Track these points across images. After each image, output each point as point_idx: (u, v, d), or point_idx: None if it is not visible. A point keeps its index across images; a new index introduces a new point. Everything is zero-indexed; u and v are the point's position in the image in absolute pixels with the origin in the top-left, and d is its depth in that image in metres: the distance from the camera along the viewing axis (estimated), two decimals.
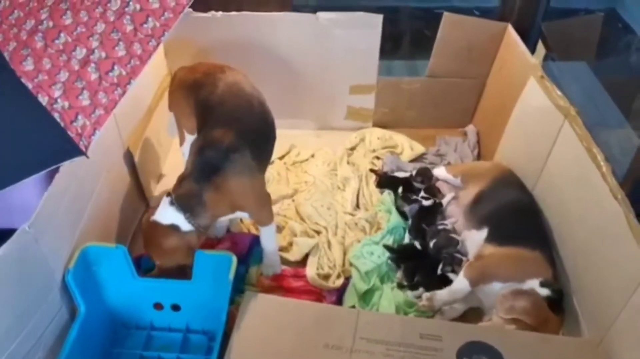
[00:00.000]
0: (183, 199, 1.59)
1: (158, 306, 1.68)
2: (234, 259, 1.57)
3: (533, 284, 1.76)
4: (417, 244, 2.01)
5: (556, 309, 1.74)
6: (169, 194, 1.62)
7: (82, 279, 1.55)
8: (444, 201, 2.13)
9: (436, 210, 2.08)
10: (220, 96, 1.79)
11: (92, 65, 1.49)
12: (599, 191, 1.62)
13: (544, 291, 1.74)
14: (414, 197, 2.12)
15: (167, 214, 1.59)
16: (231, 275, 1.53)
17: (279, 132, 2.57)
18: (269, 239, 1.88)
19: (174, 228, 1.58)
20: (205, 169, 1.62)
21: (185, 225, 1.59)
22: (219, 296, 1.55)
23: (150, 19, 1.56)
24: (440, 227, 2.03)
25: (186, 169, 1.66)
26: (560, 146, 1.90)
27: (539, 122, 2.01)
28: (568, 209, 1.84)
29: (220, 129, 1.67)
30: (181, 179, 1.64)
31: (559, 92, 1.92)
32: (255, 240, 2.00)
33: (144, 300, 1.66)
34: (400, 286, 1.92)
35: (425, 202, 2.09)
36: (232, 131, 1.66)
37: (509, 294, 1.73)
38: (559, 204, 1.90)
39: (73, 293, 1.54)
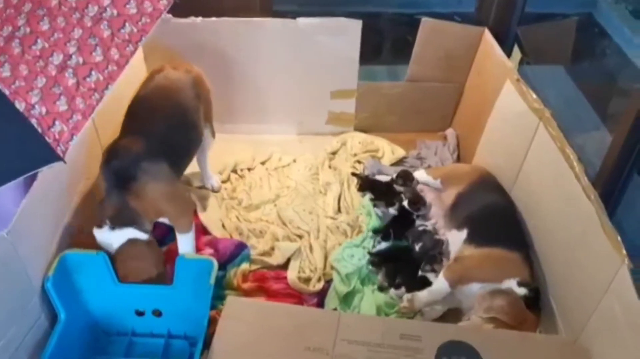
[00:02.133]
0: (117, 218, 1.62)
1: (140, 312, 1.67)
2: (215, 264, 1.58)
3: (511, 284, 1.78)
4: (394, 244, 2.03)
5: (533, 308, 1.77)
6: (99, 225, 1.63)
7: (62, 286, 1.55)
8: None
9: (412, 216, 2.10)
10: (146, 99, 1.81)
11: (70, 70, 1.49)
12: (573, 191, 1.65)
13: (522, 291, 1.77)
14: (395, 203, 2.14)
15: (116, 237, 1.63)
16: (212, 280, 1.53)
17: (261, 137, 2.64)
18: (188, 247, 1.85)
19: (133, 242, 1.62)
20: (119, 180, 1.64)
21: (140, 234, 1.63)
22: (200, 301, 1.56)
23: (127, 24, 1.56)
24: (420, 228, 2.05)
25: (102, 190, 1.67)
26: (535, 148, 1.93)
27: (515, 125, 2.05)
28: (544, 209, 1.87)
29: (129, 137, 1.69)
30: (101, 202, 1.66)
31: (533, 96, 1.95)
32: (237, 246, 2.00)
33: (125, 306, 1.65)
34: (381, 289, 1.94)
35: (393, 211, 2.13)
36: (142, 138, 1.68)
37: (487, 294, 1.76)
38: (535, 204, 1.94)
39: (53, 300, 1.53)
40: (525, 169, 2.00)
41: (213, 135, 2.18)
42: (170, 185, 1.78)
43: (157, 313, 1.67)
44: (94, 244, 1.67)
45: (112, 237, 1.65)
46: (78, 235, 1.74)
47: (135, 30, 1.57)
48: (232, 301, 1.66)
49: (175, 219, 1.82)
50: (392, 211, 2.12)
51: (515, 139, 2.04)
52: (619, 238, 1.44)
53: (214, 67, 2.43)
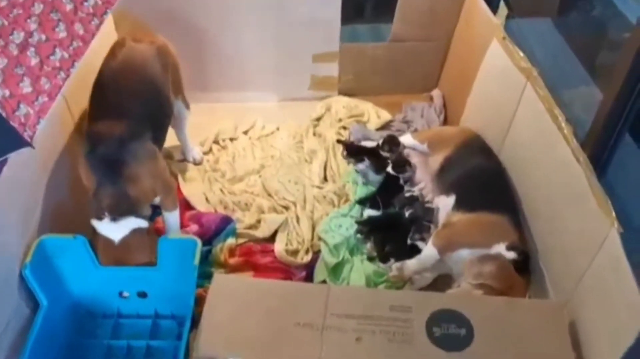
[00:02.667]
0: (117, 208, 1.56)
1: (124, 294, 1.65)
2: (199, 243, 1.54)
3: (500, 248, 1.77)
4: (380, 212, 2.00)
5: (522, 271, 1.76)
6: (99, 217, 1.57)
7: (41, 272, 1.51)
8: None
9: (399, 181, 2.06)
10: (112, 76, 1.72)
11: (32, 49, 1.41)
12: (561, 153, 1.62)
13: (510, 255, 1.76)
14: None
15: (119, 228, 1.57)
16: (196, 260, 1.50)
17: (242, 105, 2.56)
18: (174, 225, 1.82)
19: (136, 232, 1.56)
20: (110, 168, 1.57)
21: (142, 222, 1.58)
22: (186, 281, 1.53)
23: None
24: (407, 194, 2.02)
25: (92, 180, 1.60)
26: (523, 108, 1.88)
27: (502, 85, 1.99)
28: (533, 171, 1.84)
29: (107, 119, 1.61)
30: (95, 194, 1.59)
31: (521, 54, 1.89)
32: (222, 220, 1.96)
33: (109, 289, 1.62)
34: (371, 259, 1.92)
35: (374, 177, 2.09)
36: (120, 119, 1.61)
37: (477, 259, 1.74)
38: (524, 166, 1.90)
39: (32, 287, 1.50)
40: (513, 130, 1.96)
41: (187, 106, 2.11)
42: (159, 163, 1.73)
43: (143, 294, 1.64)
44: None
45: (115, 230, 1.59)
46: None
47: (99, 2, 1.48)
48: (219, 279, 1.63)
49: (163, 198, 1.77)
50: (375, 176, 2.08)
51: (503, 99, 1.99)
52: (609, 202, 1.41)
53: (187, 35, 2.34)
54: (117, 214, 1.57)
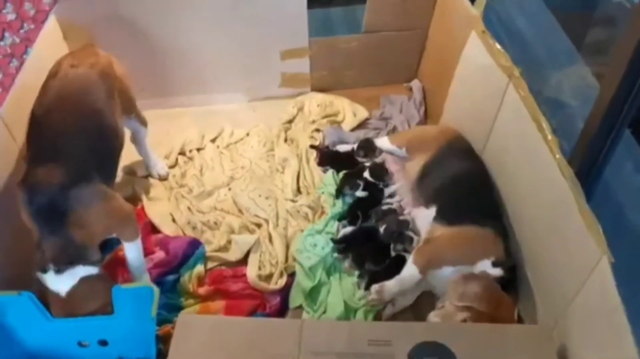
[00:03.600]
0: (62, 258, 1.44)
1: (83, 344, 1.53)
2: (156, 291, 1.41)
3: (484, 265, 1.66)
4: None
5: (509, 287, 1.65)
6: (43, 270, 1.44)
7: None
8: (392, 188, 1.98)
9: (378, 194, 1.93)
10: (50, 112, 1.54)
11: None
12: (546, 165, 1.49)
13: (496, 272, 1.65)
14: (358, 181, 1.96)
15: (65, 280, 1.45)
16: (154, 311, 1.38)
17: (209, 109, 2.41)
18: (136, 255, 1.69)
19: (87, 280, 1.45)
20: (51, 217, 1.43)
21: (91, 269, 1.46)
22: (146, 328, 1.41)
23: None
24: (385, 208, 1.89)
25: (34, 229, 1.46)
26: (506, 109, 1.74)
27: (483, 82, 1.85)
28: (517, 179, 1.71)
29: (45, 164, 1.46)
30: (38, 245, 1.46)
31: (501, 49, 1.74)
32: (189, 245, 1.84)
33: (66, 340, 1.50)
34: (357, 272, 1.80)
35: (360, 194, 1.94)
36: (59, 162, 1.46)
37: (460, 280, 1.63)
38: (508, 171, 1.78)
39: None
40: (496, 130, 1.82)
41: (143, 123, 1.95)
42: (109, 200, 1.57)
43: (103, 342, 1.53)
44: None
45: (60, 282, 1.46)
46: None
47: None
48: (183, 320, 1.51)
49: (121, 232, 1.64)
50: (360, 193, 1.95)
51: (485, 98, 1.84)
52: (599, 228, 1.29)
53: (141, 38, 2.16)
54: (61, 265, 1.44)
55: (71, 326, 1.47)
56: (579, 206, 1.35)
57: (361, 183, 1.95)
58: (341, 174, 2.03)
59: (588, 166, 1.44)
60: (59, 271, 1.44)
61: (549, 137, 1.48)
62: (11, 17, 1.24)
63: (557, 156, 1.45)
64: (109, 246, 1.78)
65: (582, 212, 1.34)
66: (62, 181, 1.44)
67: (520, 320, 1.66)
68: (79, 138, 1.53)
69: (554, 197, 1.48)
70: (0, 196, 1.62)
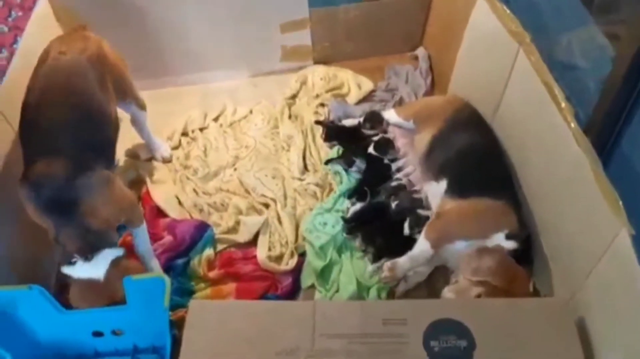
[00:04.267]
0: (86, 247, 1.43)
1: (98, 333, 1.52)
2: (167, 282, 1.39)
3: (498, 238, 1.62)
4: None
5: (524, 260, 1.62)
6: (70, 263, 1.43)
7: (1, 330, 1.38)
8: (399, 163, 1.93)
9: (384, 169, 1.89)
10: (43, 103, 1.49)
11: None
12: (560, 134, 1.44)
13: (511, 244, 1.62)
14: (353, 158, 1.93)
15: (98, 265, 1.44)
16: (166, 301, 1.36)
17: (210, 86, 2.35)
18: (143, 239, 1.68)
19: (117, 262, 1.46)
20: (64, 210, 1.41)
21: (117, 251, 1.47)
22: (159, 317, 1.40)
23: None
24: (394, 184, 1.85)
25: (49, 225, 1.44)
26: (517, 77, 1.68)
27: (492, 49, 1.78)
28: (530, 148, 1.66)
29: (44, 158, 1.42)
30: (56, 240, 1.44)
31: (510, 14, 1.67)
32: (197, 229, 1.81)
33: (81, 331, 1.49)
34: (366, 250, 1.78)
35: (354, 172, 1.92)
36: (60, 155, 1.43)
37: (474, 254, 1.60)
38: (519, 141, 1.72)
39: None
40: (506, 99, 1.76)
41: (142, 107, 1.90)
42: (115, 187, 1.56)
43: (118, 332, 1.52)
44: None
45: (94, 269, 1.45)
46: None
47: None
48: (195, 307, 1.49)
49: (127, 218, 1.62)
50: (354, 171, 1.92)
51: (494, 66, 1.78)
52: (618, 200, 1.25)
53: (136, 16, 2.10)
54: (87, 253, 1.43)
55: (84, 317, 1.46)
56: (596, 177, 1.31)
57: (356, 160, 1.91)
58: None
59: (605, 136, 1.38)
60: (87, 259, 1.43)
61: (563, 105, 1.43)
62: None
63: (572, 125, 1.39)
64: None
65: (600, 184, 1.30)
66: (65, 172, 1.41)
67: (535, 292, 1.64)
68: (74, 128, 1.49)
69: (569, 167, 1.44)
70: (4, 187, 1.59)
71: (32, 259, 1.70)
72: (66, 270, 1.45)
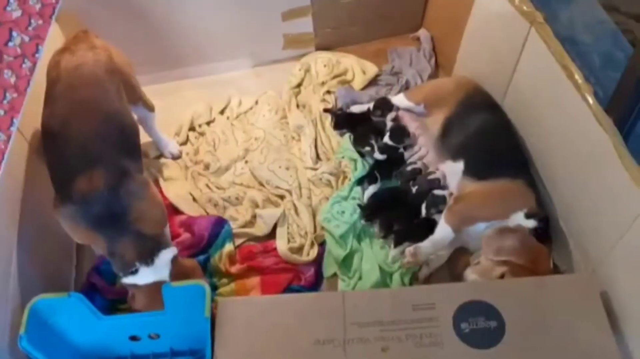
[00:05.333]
0: (145, 253, 1.44)
1: (135, 337, 1.52)
2: (207, 289, 1.39)
3: (518, 218, 1.65)
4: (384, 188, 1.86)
5: (543, 238, 1.65)
6: (132, 272, 1.44)
7: (40, 338, 1.36)
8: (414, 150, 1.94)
9: (398, 150, 1.90)
10: (62, 119, 1.48)
11: None
12: (579, 114, 1.45)
13: (530, 223, 1.64)
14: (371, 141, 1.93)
15: (161, 268, 1.47)
16: (207, 311, 1.36)
17: (213, 78, 2.33)
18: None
19: (175, 260, 1.50)
20: (115, 222, 1.41)
21: (173, 250, 1.50)
22: (198, 322, 1.39)
23: None
24: (409, 168, 1.86)
25: (100, 241, 1.45)
26: (528, 57, 1.69)
27: (500, 29, 1.77)
28: (545, 128, 1.68)
29: (82, 174, 1.41)
30: (111, 254, 1.45)
31: None
32: (215, 225, 1.81)
33: (118, 336, 1.49)
34: (385, 237, 1.79)
35: (378, 156, 1.91)
36: (98, 166, 1.42)
37: (495, 234, 1.62)
38: (534, 121, 1.74)
39: (34, 357, 1.36)
40: (516, 80, 1.77)
41: (151, 109, 1.88)
42: (153, 188, 1.57)
43: (155, 336, 1.52)
44: None
45: (158, 271, 1.47)
46: None
47: None
48: (223, 305, 1.49)
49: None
50: (378, 155, 1.91)
51: (502, 46, 1.78)
52: None
53: (134, 9, 2.05)
54: (147, 258, 1.44)
55: (122, 323, 1.47)
56: (619, 154, 1.33)
57: (371, 140, 1.93)
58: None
59: (626, 115, 1.40)
60: (147, 264, 1.44)
61: (581, 84, 1.44)
62: (17, 14, 1.14)
63: (592, 104, 1.40)
64: None
65: (623, 160, 1.32)
66: (108, 183, 1.41)
67: (555, 268, 1.67)
68: (106, 138, 1.49)
69: (589, 146, 1.45)
70: (26, 201, 1.56)
71: (52, 269, 1.69)
72: (129, 280, 1.46)
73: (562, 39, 1.60)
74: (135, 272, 1.44)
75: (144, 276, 1.45)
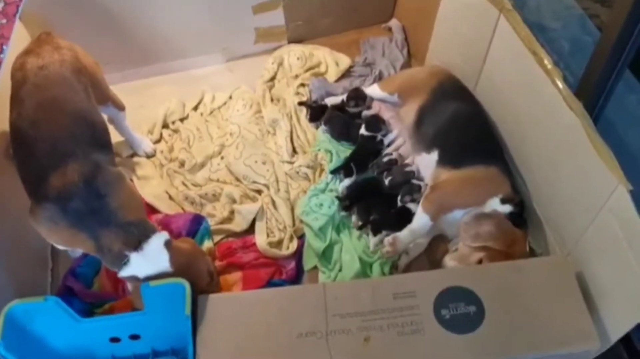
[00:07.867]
0: (131, 239, 1.39)
1: (115, 339, 1.50)
2: (187, 288, 1.37)
3: (494, 203, 1.67)
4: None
5: (519, 222, 1.67)
6: (123, 262, 1.40)
7: (16, 343, 1.33)
8: (390, 137, 1.95)
9: (376, 146, 1.90)
10: (31, 120, 1.44)
11: None
12: (549, 98, 1.47)
13: (506, 208, 1.66)
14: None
15: (156, 253, 1.42)
16: (187, 308, 1.34)
17: (185, 75, 2.30)
18: None
19: (169, 246, 1.45)
20: (95, 214, 1.37)
21: (164, 235, 1.46)
22: (179, 322, 1.38)
23: None
24: (385, 159, 1.87)
25: (83, 237, 1.40)
26: (498, 44, 1.71)
27: (470, 17, 1.79)
28: (516, 114, 1.70)
29: (55, 172, 1.37)
30: (100, 249, 1.40)
31: None
32: (192, 222, 1.79)
33: (98, 338, 1.46)
34: (360, 228, 1.79)
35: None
36: (71, 162, 1.38)
37: (472, 221, 1.64)
38: (505, 107, 1.76)
39: None
40: (488, 67, 1.79)
41: (121, 108, 1.86)
42: (127, 181, 1.54)
43: (136, 337, 1.50)
44: None
45: (154, 259, 1.41)
46: None
47: None
48: (203, 302, 1.48)
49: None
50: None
51: (472, 34, 1.80)
52: (614, 158, 1.29)
53: (99, 6, 2.00)
54: (136, 244, 1.39)
55: (101, 324, 1.44)
56: (590, 137, 1.35)
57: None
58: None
59: (594, 101, 1.42)
60: (137, 250, 1.39)
61: (550, 69, 1.46)
62: None
63: (562, 88, 1.43)
64: None
65: (594, 144, 1.34)
66: (82, 175, 1.37)
67: (532, 252, 1.70)
68: (76, 134, 1.45)
69: (559, 130, 1.48)
70: None
71: (27, 274, 1.66)
72: (126, 272, 1.41)
73: (531, 25, 1.63)
74: (127, 262, 1.40)
75: (139, 266, 1.40)
